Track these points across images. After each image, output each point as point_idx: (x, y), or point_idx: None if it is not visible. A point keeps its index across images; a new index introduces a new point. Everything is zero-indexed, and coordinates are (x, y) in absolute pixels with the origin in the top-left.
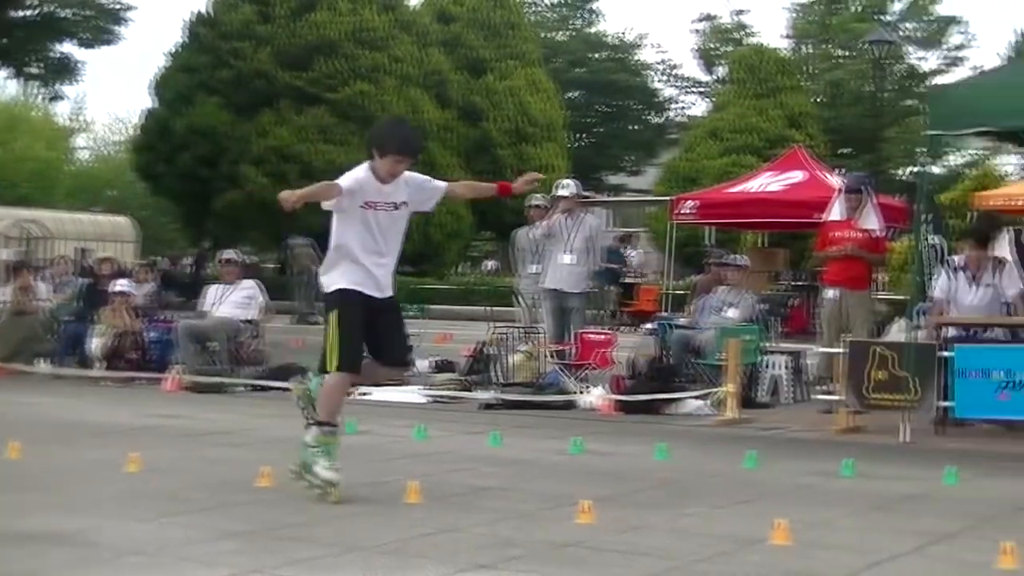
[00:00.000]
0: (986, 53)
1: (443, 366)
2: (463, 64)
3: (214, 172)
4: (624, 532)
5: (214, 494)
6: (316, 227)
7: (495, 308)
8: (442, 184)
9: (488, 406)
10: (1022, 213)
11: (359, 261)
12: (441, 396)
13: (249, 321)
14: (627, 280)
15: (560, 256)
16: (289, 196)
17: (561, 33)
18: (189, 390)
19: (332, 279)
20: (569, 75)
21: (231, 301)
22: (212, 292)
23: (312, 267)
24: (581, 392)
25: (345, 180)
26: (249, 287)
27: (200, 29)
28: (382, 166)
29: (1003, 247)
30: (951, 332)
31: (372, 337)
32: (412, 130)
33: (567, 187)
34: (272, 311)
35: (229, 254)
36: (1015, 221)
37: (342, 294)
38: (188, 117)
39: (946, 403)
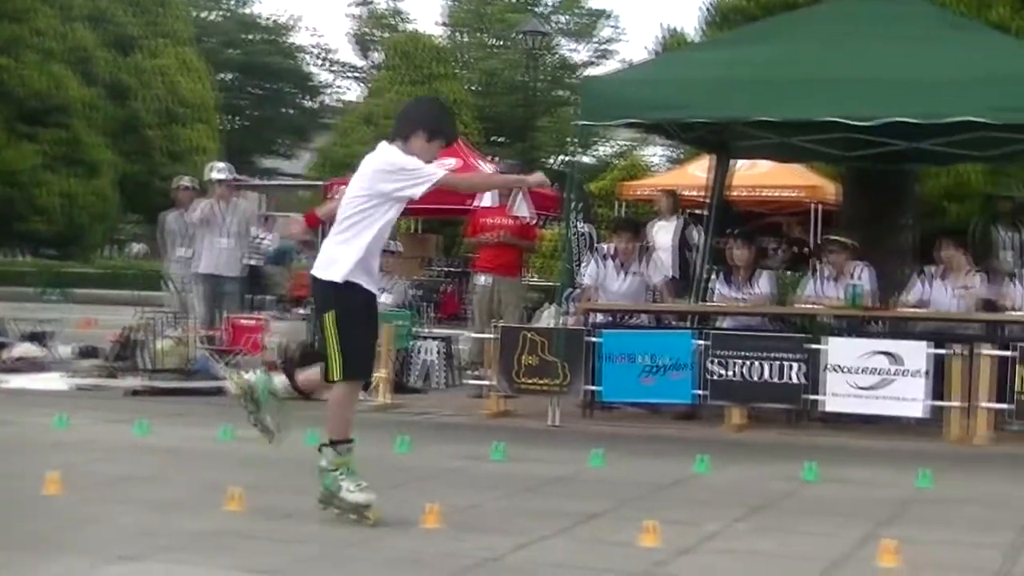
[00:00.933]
0: (634, 47)
1: (87, 352)
2: (110, 40)
3: None
4: (275, 519)
5: None
6: None
7: (143, 293)
8: None
9: (135, 393)
10: None
11: (376, 257)
12: (85, 383)
13: None
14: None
15: (216, 240)
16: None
17: (214, 13)
18: None
19: (341, 270)
20: (222, 56)
21: None
22: None
23: None
24: (231, 378)
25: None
26: None
27: None
28: (426, 150)
29: (667, 232)
30: (599, 318)
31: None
32: None
33: (222, 170)
34: None
35: None
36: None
37: (359, 291)
38: None
39: (594, 387)
